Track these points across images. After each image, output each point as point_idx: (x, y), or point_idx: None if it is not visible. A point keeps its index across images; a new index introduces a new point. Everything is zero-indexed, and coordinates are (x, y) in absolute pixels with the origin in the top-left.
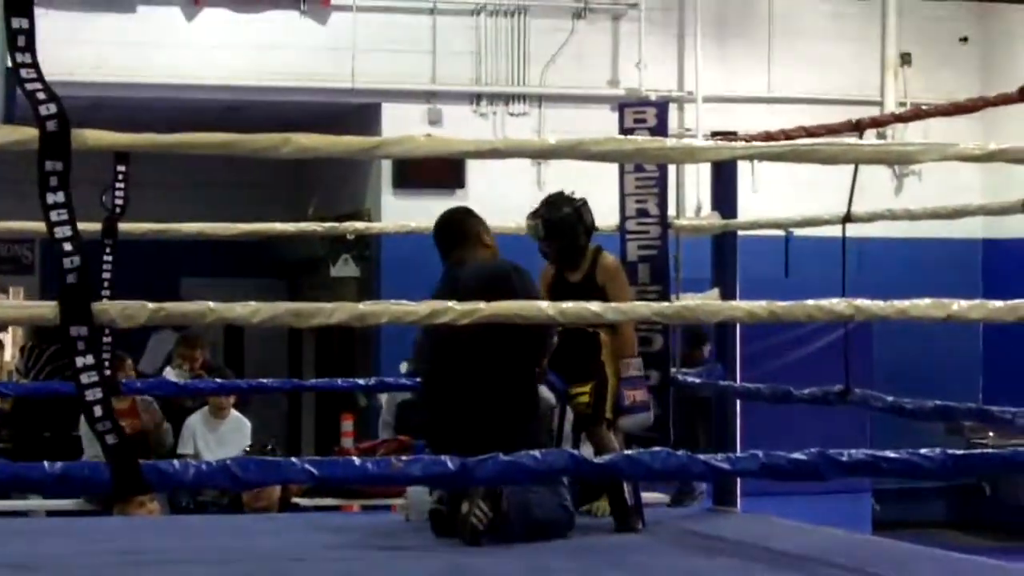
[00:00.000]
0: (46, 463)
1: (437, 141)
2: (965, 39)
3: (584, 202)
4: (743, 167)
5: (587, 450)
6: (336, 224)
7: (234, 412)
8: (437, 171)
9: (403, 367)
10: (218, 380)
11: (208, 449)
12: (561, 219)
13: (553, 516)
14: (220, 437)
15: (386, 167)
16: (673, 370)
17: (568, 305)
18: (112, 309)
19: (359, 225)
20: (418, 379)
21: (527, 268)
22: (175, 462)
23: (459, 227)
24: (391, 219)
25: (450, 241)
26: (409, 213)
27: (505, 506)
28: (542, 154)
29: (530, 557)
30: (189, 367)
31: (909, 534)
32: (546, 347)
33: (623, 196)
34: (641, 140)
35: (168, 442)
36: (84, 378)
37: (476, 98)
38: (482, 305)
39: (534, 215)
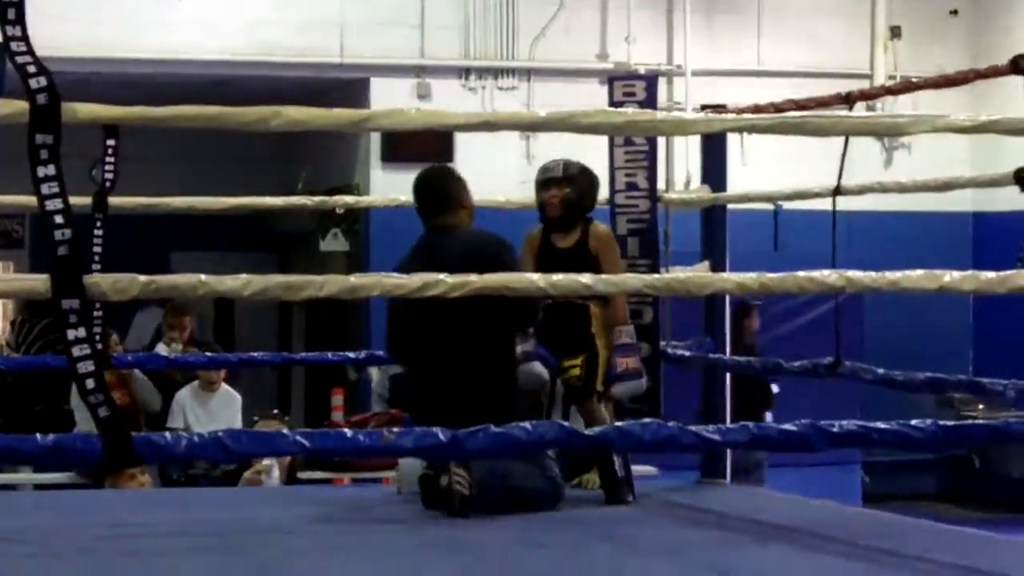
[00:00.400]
0: (38, 435)
1: (426, 114)
2: (955, 12)
3: (596, 176)
4: (732, 141)
5: (577, 423)
6: (325, 198)
7: (224, 386)
8: (426, 145)
9: None
10: (207, 354)
11: (198, 423)
12: (583, 168)
13: (535, 486)
14: (210, 411)
15: (375, 141)
16: (663, 343)
17: (559, 277)
18: (103, 282)
19: (348, 199)
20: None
21: (509, 243)
22: (167, 434)
23: (442, 190)
24: (380, 193)
25: (432, 205)
26: (398, 187)
27: (475, 469)
28: (532, 127)
29: (518, 528)
30: (179, 336)
31: (899, 506)
32: (532, 317)
33: (612, 170)
34: (631, 112)
35: (155, 407)
36: (76, 351)
37: (465, 72)
38: (473, 278)
39: (553, 161)
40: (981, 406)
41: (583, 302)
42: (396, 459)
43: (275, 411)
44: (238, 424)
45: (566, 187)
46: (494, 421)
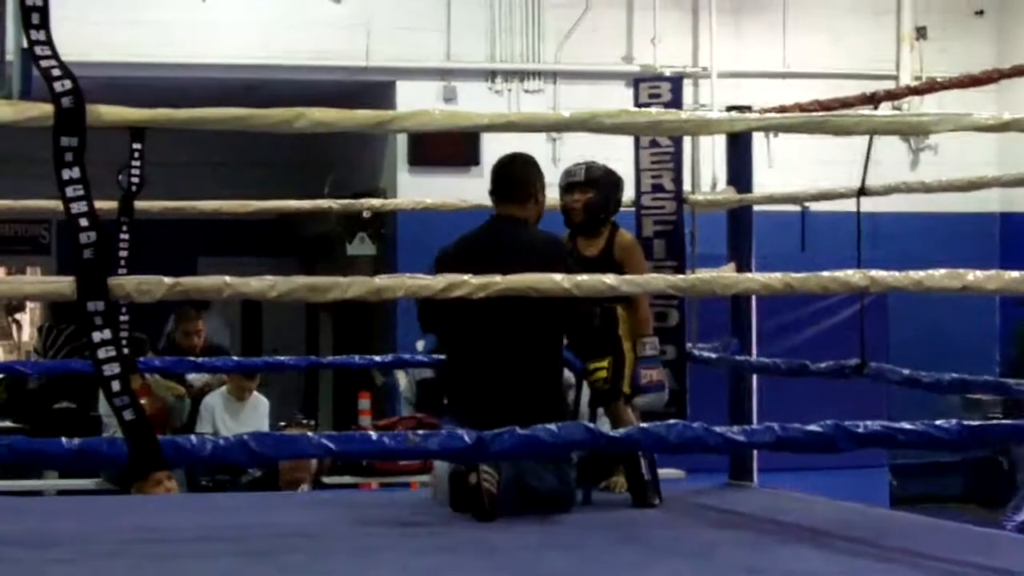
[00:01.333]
0: (63, 439)
1: (450, 114)
2: (981, 12)
3: (621, 178)
4: (758, 142)
5: (604, 427)
6: (352, 201)
7: (254, 392)
8: (452, 148)
9: (420, 345)
10: (233, 358)
11: (227, 430)
12: (607, 171)
13: (550, 488)
14: (239, 418)
15: (401, 145)
16: (689, 344)
17: (583, 278)
18: (128, 284)
19: (375, 202)
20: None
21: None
22: (192, 437)
23: (523, 179)
24: (407, 197)
25: (508, 191)
26: (424, 190)
27: (504, 470)
28: (556, 127)
29: (545, 532)
30: (191, 341)
31: (927, 509)
32: (588, 324)
33: (638, 171)
34: (655, 112)
35: (182, 418)
36: (101, 353)
37: (491, 75)
38: (497, 279)
39: (576, 165)
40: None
41: (608, 305)
42: (424, 463)
43: (301, 417)
44: (265, 429)
45: (589, 191)
46: (541, 422)
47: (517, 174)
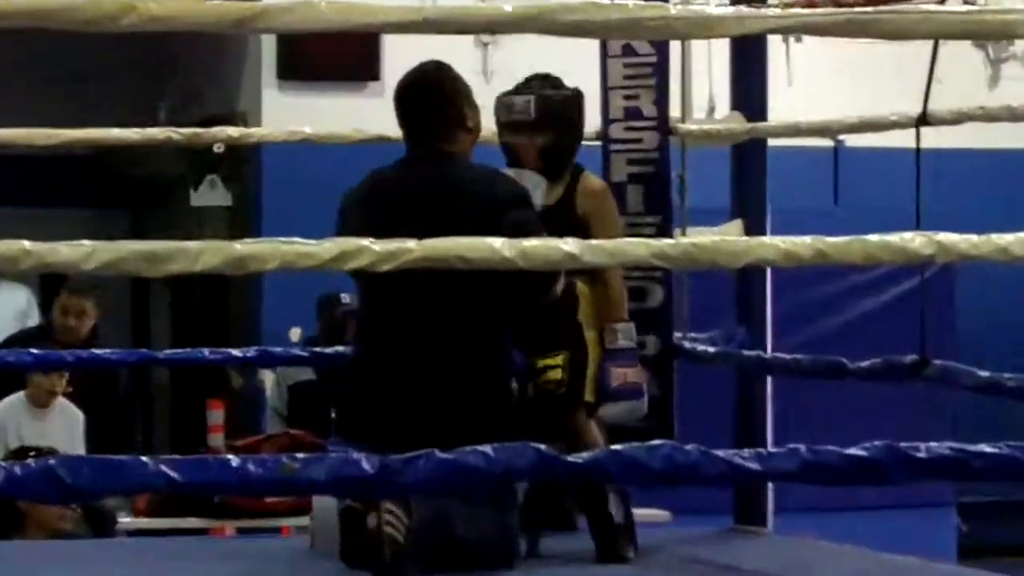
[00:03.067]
0: None
1: (343, 8)
2: None
3: (582, 94)
4: (775, 50)
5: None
6: (198, 130)
7: (62, 400)
8: (341, 56)
9: (294, 334)
10: (32, 351)
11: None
12: (566, 100)
13: (483, 536)
14: (44, 432)
15: (268, 51)
16: (678, 334)
17: (532, 243)
18: None
19: (231, 131)
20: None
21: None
22: None
23: (440, 98)
24: (275, 124)
25: (423, 118)
26: (301, 116)
27: (415, 510)
28: (491, 27)
29: None
30: (76, 327)
31: (1006, 562)
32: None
33: (606, 90)
34: (632, 5)
35: None
36: None
37: None
38: (411, 245)
39: (521, 90)
40: None
41: (566, 278)
42: (304, 499)
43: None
44: (81, 450)
45: (544, 133)
46: (477, 442)
47: (431, 95)
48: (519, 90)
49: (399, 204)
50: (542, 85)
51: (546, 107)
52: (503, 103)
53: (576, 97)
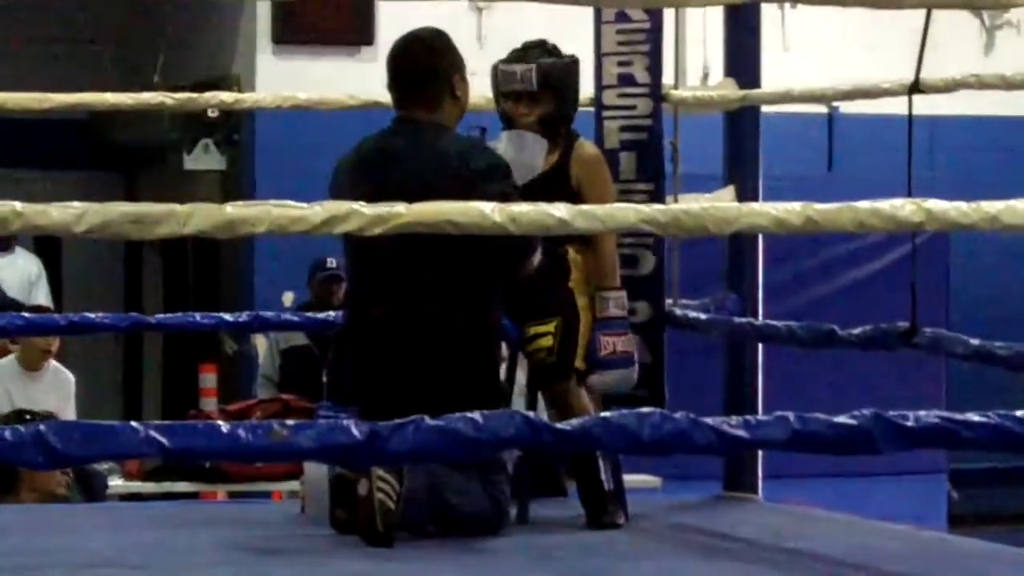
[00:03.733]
0: None
1: None
2: None
3: (578, 61)
4: (769, 15)
5: (547, 416)
6: (192, 95)
7: (53, 363)
8: (335, 20)
9: (287, 298)
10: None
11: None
12: (566, 67)
13: (475, 506)
14: (33, 396)
15: (263, 15)
16: (669, 301)
17: (523, 208)
18: None
19: (224, 96)
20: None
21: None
22: None
23: (430, 68)
24: (269, 88)
25: (412, 87)
26: (295, 80)
27: (408, 479)
28: None
29: (464, 564)
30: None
31: (996, 531)
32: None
33: (599, 56)
34: None
35: None
36: None
37: None
38: (400, 209)
39: (521, 58)
40: None
41: (557, 244)
42: (295, 465)
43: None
44: (72, 415)
45: (545, 102)
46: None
47: (422, 62)
48: (518, 58)
49: (381, 174)
50: (541, 54)
51: (547, 77)
52: (503, 72)
53: (574, 64)
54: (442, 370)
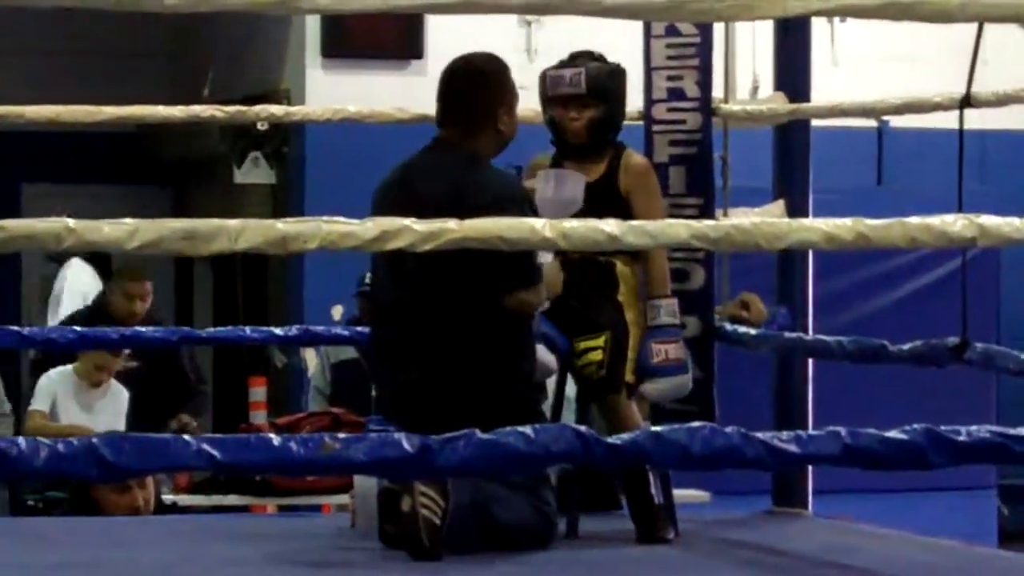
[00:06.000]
0: None
1: None
2: None
3: (624, 70)
4: (819, 31)
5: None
6: (242, 108)
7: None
8: (385, 34)
9: (337, 312)
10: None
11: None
12: (614, 72)
13: (522, 520)
14: (92, 410)
15: (312, 30)
16: (719, 316)
17: (573, 224)
18: None
19: (274, 109)
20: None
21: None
22: (20, 440)
23: (473, 95)
24: (319, 102)
25: (449, 107)
26: (344, 94)
27: (453, 495)
28: (533, 7)
29: None
30: (133, 311)
31: None
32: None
33: (649, 71)
34: None
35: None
36: None
37: None
38: (451, 225)
39: (570, 63)
40: None
41: (606, 259)
42: (345, 478)
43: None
44: (121, 428)
45: (593, 107)
46: (495, 426)
47: (468, 90)
48: (570, 61)
49: (404, 193)
50: (588, 60)
51: (597, 80)
52: (551, 76)
53: (622, 71)
54: (469, 386)
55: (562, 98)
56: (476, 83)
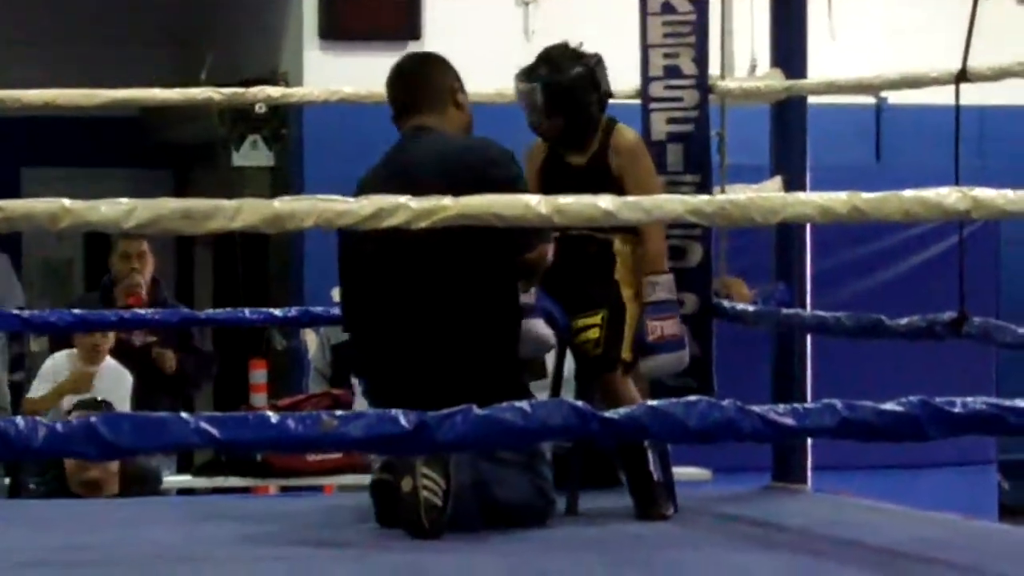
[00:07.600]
0: None
1: None
2: None
3: (599, 59)
4: (817, 5)
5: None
6: (240, 90)
7: (110, 359)
8: (381, 17)
9: (336, 294)
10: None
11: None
12: (571, 83)
13: (522, 498)
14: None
15: (309, 11)
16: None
17: (568, 200)
18: None
19: (273, 91)
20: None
21: (509, 152)
22: (18, 419)
23: (423, 78)
24: (317, 84)
25: (408, 97)
26: (342, 75)
27: (454, 476)
28: None
29: (512, 555)
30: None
31: None
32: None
33: (645, 48)
34: None
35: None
36: None
37: None
38: (447, 202)
39: (529, 75)
40: None
41: (603, 236)
42: (344, 457)
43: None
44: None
45: (557, 116)
46: (486, 403)
47: (415, 80)
48: (528, 72)
49: (397, 177)
50: (550, 70)
51: (551, 97)
52: (516, 88)
53: (587, 73)
54: (456, 367)
55: (529, 107)
56: (425, 66)
